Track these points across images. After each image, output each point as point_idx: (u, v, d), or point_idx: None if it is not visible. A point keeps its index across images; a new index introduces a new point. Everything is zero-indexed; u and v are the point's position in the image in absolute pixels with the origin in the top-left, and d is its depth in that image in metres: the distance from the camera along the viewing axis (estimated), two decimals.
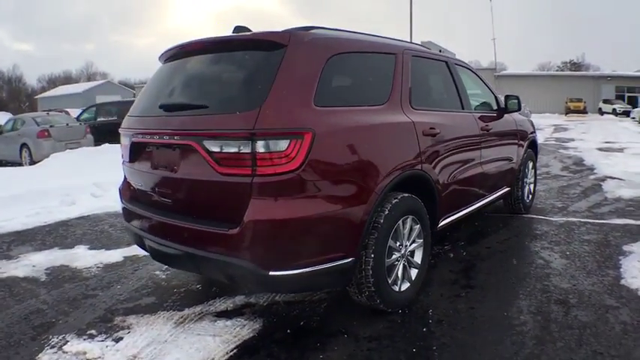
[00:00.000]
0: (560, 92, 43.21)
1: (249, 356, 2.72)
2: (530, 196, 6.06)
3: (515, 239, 4.83)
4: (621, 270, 3.82)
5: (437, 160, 3.57)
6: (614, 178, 8.07)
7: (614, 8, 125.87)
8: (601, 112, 40.29)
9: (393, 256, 3.13)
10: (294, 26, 3.09)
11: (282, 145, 2.49)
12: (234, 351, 2.76)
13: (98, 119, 15.97)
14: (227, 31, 3.35)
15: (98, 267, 4.22)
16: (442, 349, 2.73)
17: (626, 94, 44.42)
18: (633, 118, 29.63)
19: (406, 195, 3.18)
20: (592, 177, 8.41)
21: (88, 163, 8.81)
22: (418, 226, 3.34)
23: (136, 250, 4.55)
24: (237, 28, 3.37)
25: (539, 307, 3.19)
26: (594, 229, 5.06)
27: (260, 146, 2.46)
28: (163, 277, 3.95)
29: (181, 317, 3.18)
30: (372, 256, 2.90)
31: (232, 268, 2.63)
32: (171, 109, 2.97)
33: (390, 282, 3.09)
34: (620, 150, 12.65)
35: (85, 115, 16.87)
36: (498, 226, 5.32)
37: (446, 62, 4.32)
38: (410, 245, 3.30)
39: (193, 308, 3.32)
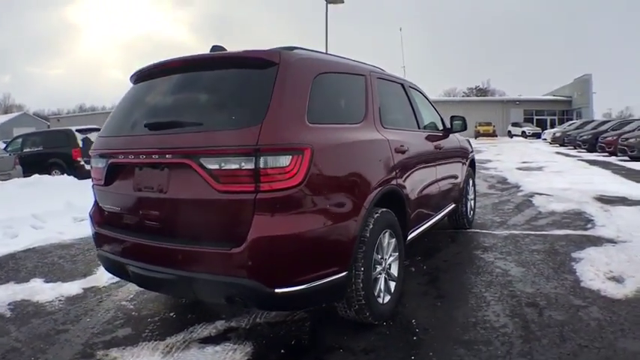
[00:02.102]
0: (470, 117, 45.14)
1: None
2: (472, 212, 6.38)
3: (468, 252, 5.05)
4: (577, 274, 4.11)
5: (406, 175, 3.74)
6: (542, 194, 8.65)
7: (515, 36, 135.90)
8: (510, 135, 42.96)
9: (377, 269, 3.22)
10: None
11: (285, 160, 2.51)
12: None
13: (24, 150, 15.17)
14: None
15: (60, 300, 3.96)
16: (439, 355, 2.80)
17: (535, 117, 47.79)
18: (544, 139, 31.78)
19: (384, 209, 3.29)
20: (520, 194, 8.94)
21: (22, 195, 8.30)
22: (394, 239, 3.46)
23: (94, 282, 4.36)
24: (215, 48, 3.39)
25: (513, 310, 3.38)
26: (538, 239, 5.40)
27: (264, 162, 2.46)
28: (131, 307, 3.78)
29: (166, 346, 3.06)
30: (362, 269, 2.96)
31: (235, 288, 2.56)
32: (159, 127, 2.83)
33: (376, 294, 3.17)
34: (539, 169, 13.57)
35: (12, 147, 16.00)
36: (447, 241, 5.55)
37: (402, 84, 4.55)
38: (389, 258, 3.40)
39: (175, 337, 3.19)
